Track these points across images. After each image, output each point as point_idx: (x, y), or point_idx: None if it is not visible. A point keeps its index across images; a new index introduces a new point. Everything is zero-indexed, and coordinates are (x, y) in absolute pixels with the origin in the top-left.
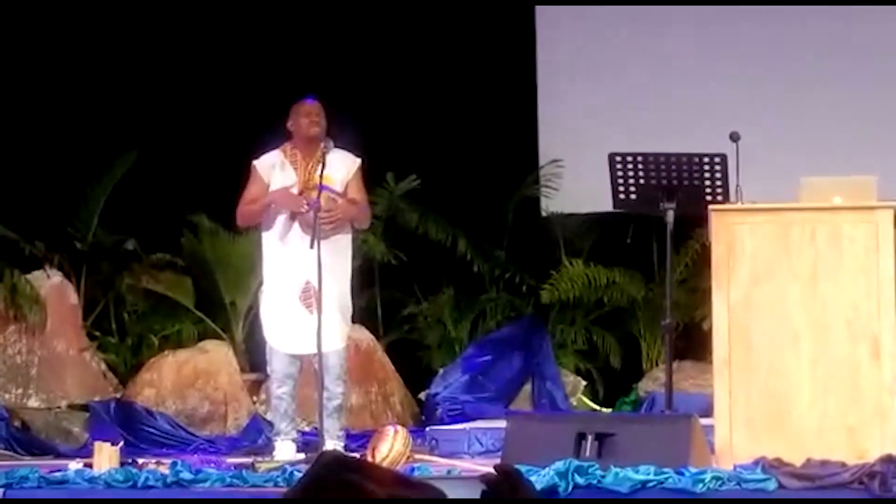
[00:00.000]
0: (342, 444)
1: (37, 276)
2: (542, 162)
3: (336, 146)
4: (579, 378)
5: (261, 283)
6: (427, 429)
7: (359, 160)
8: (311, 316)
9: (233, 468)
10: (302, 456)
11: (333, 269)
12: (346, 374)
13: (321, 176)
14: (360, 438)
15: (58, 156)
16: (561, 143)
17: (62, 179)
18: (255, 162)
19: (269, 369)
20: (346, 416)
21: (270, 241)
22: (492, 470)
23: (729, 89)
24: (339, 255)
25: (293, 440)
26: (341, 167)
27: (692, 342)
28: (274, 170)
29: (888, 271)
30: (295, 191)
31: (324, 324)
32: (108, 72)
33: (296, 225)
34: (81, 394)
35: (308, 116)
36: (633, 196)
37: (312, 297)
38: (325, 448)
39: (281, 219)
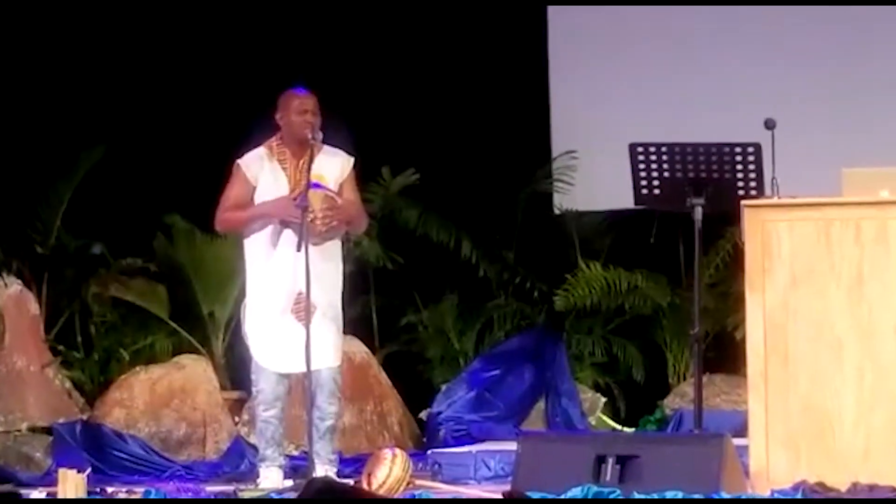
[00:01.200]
0: (335, 468)
1: None
2: (554, 154)
3: (327, 143)
4: (598, 394)
5: (243, 294)
6: (429, 452)
7: (353, 159)
8: (304, 330)
9: (213, 497)
10: (290, 483)
11: (324, 277)
12: (339, 392)
13: (308, 171)
14: (355, 463)
15: (16, 151)
16: (575, 132)
17: (21, 176)
18: (238, 161)
19: (254, 389)
20: (338, 439)
21: (255, 248)
22: (501, 498)
23: (762, 72)
24: (329, 263)
25: (280, 466)
26: (335, 167)
27: (724, 353)
28: (262, 170)
29: None
30: (286, 192)
31: (316, 338)
32: (71, 59)
33: (286, 231)
34: (44, 415)
35: (302, 115)
36: (656, 191)
37: (306, 310)
38: (315, 474)
39: (268, 225)
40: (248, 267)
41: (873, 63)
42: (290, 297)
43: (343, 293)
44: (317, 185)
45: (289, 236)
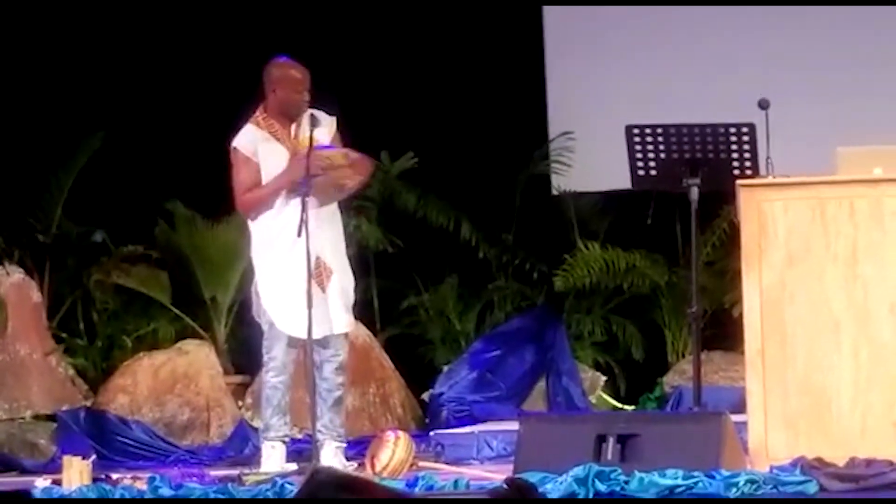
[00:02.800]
0: (343, 444)
1: None
2: (551, 135)
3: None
4: (598, 373)
5: (245, 279)
6: (431, 433)
7: (334, 118)
8: (322, 295)
9: (217, 482)
10: (294, 466)
11: (334, 242)
12: (346, 365)
13: (311, 137)
14: (358, 445)
15: (16, 140)
16: (572, 114)
17: (21, 165)
18: (234, 145)
19: (266, 357)
20: (345, 413)
21: (263, 225)
22: (502, 483)
23: (756, 52)
24: (334, 226)
25: (283, 441)
26: (322, 128)
27: (721, 331)
28: (257, 144)
29: None
30: (287, 159)
31: (334, 303)
32: (70, 47)
33: (294, 199)
34: (47, 402)
35: (299, 93)
36: (653, 172)
37: (324, 275)
38: (323, 450)
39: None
40: (257, 243)
41: (866, 42)
42: (308, 263)
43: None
44: (323, 146)
45: (295, 203)
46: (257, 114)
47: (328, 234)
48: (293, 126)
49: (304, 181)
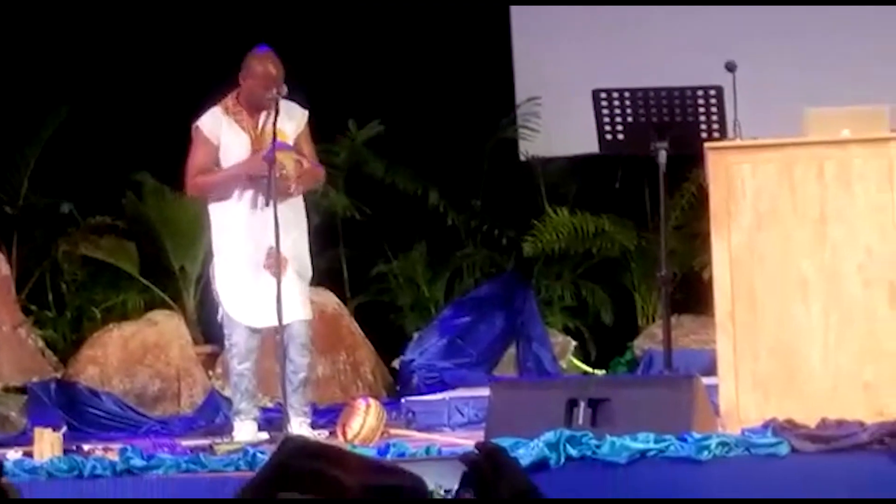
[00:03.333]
0: (308, 420)
1: None
2: (518, 101)
3: (288, 94)
4: (569, 338)
5: (212, 251)
6: (402, 400)
7: (307, 112)
8: (275, 285)
9: (189, 452)
10: (265, 435)
11: (292, 230)
12: (311, 345)
13: (274, 127)
14: (329, 413)
15: None
16: (539, 79)
17: None
18: (197, 124)
19: (227, 343)
20: (312, 390)
21: (220, 205)
22: (473, 448)
23: (722, 13)
24: (294, 217)
25: (254, 419)
26: (290, 120)
27: (691, 294)
28: (220, 127)
29: None
30: (248, 148)
31: (287, 291)
32: (36, 20)
33: (250, 188)
34: (17, 375)
35: (267, 89)
36: (620, 136)
37: (277, 264)
38: (290, 426)
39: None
40: (214, 226)
41: (833, 4)
42: (259, 252)
43: (310, 245)
44: (281, 145)
45: (251, 191)
46: (228, 98)
47: (285, 225)
48: (262, 116)
49: (270, 167)
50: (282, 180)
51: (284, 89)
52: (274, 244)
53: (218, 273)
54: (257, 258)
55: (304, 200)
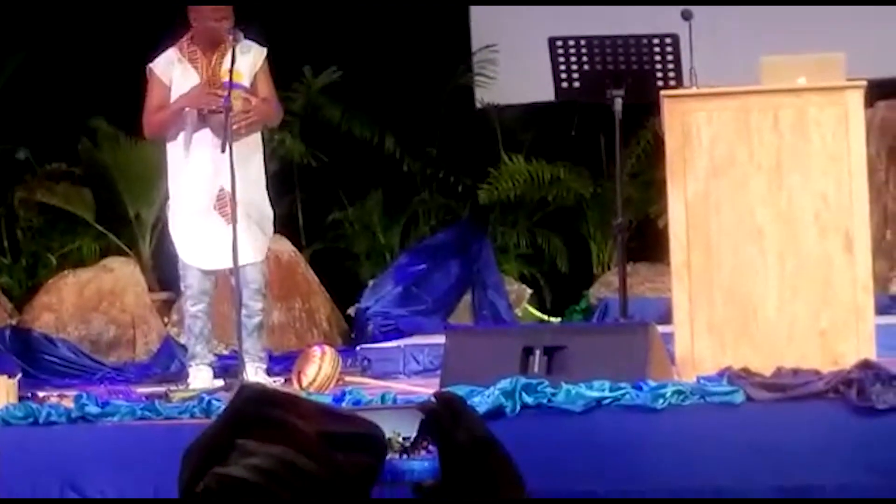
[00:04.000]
0: (264, 366)
1: None
2: (474, 48)
3: (245, 36)
4: (524, 286)
5: (167, 196)
6: (358, 347)
7: (265, 50)
8: (227, 227)
9: (144, 399)
10: (220, 382)
11: (246, 174)
12: (266, 290)
13: (231, 72)
14: (284, 361)
15: None
16: (495, 27)
17: None
18: (150, 66)
19: (182, 285)
20: (267, 336)
21: (176, 148)
22: (430, 397)
23: None
24: (250, 159)
25: (209, 365)
26: (248, 60)
27: (647, 242)
28: (173, 70)
29: (860, 158)
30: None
31: (240, 235)
32: None
33: (203, 129)
34: None
35: (217, 21)
36: (576, 84)
37: (229, 206)
38: (245, 372)
39: (187, 123)
40: (170, 167)
41: None
42: (211, 195)
43: (268, 189)
44: (234, 85)
45: (207, 134)
46: (183, 40)
47: (239, 167)
48: (216, 55)
49: (222, 110)
50: (234, 116)
51: (241, 35)
52: (224, 186)
53: (171, 215)
54: (208, 201)
55: (263, 146)
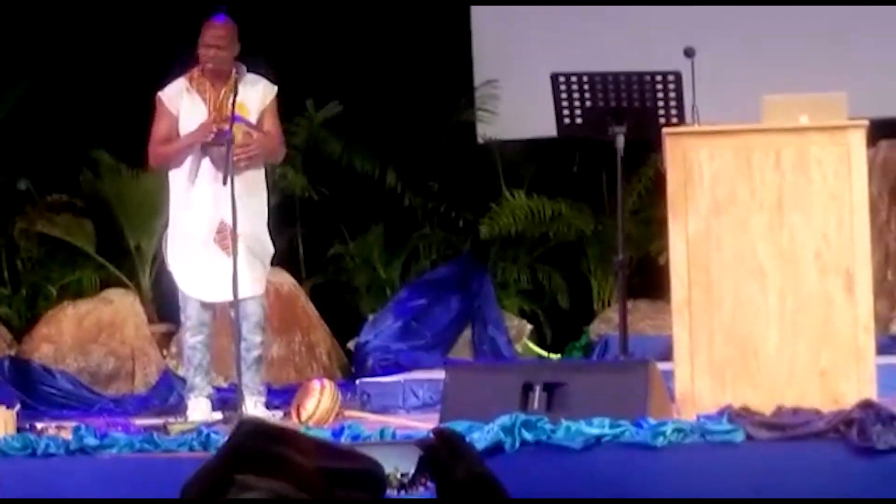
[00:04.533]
0: (263, 399)
1: None
2: (476, 83)
3: (251, 71)
4: (524, 321)
5: (166, 225)
6: (357, 382)
7: (275, 88)
8: (226, 259)
9: (143, 431)
10: (219, 415)
11: (248, 207)
12: (265, 323)
13: (233, 105)
14: (283, 394)
15: None
16: (498, 62)
17: None
18: (159, 94)
19: (182, 316)
20: (266, 369)
21: (178, 178)
22: (429, 432)
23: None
24: (253, 192)
25: (208, 397)
26: (256, 95)
27: (648, 279)
28: (181, 100)
29: (861, 197)
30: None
31: (240, 268)
32: None
33: (206, 161)
34: None
35: (209, 47)
36: (578, 120)
37: (229, 238)
38: (244, 405)
39: (190, 154)
40: (172, 197)
41: None
42: (211, 227)
43: (269, 224)
44: (237, 119)
45: (209, 166)
46: (194, 70)
47: (240, 200)
48: (224, 88)
49: (222, 140)
50: (237, 151)
51: (243, 69)
52: (225, 219)
53: (170, 245)
54: (208, 233)
55: (266, 179)
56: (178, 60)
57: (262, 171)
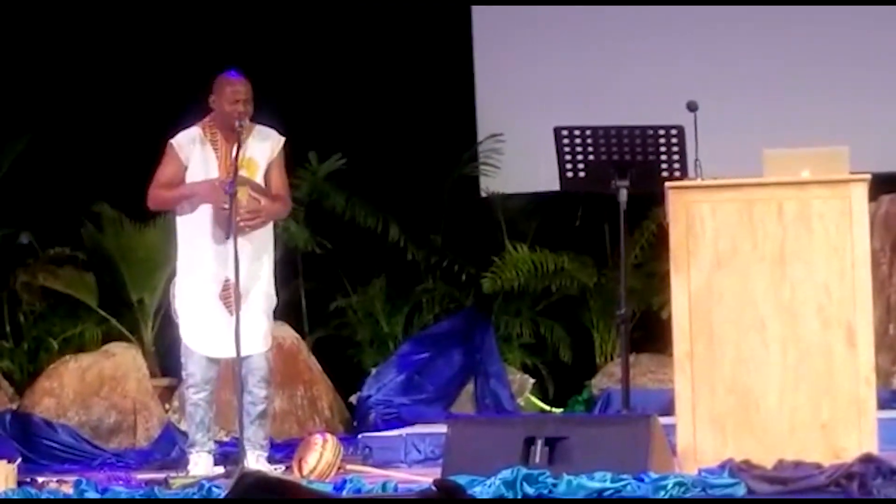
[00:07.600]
0: (266, 454)
1: None
2: (480, 137)
3: (259, 122)
4: (527, 375)
5: (173, 275)
6: (359, 436)
7: (283, 139)
8: (231, 316)
9: (144, 485)
10: (220, 469)
11: (255, 264)
12: (270, 377)
13: (236, 158)
14: (285, 448)
15: None
16: (501, 116)
17: None
18: (172, 140)
19: (184, 373)
20: (269, 424)
21: (188, 228)
22: (431, 485)
23: (684, 55)
24: (260, 249)
25: (209, 452)
26: (265, 146)
27: (650, 333)
28: (193, 149)
29: (863, 251)
30: (216, 174)
31: (246, 324)
32: None
33: (216, 217)
34: None
35: (234, 104)
36: (581, 174)
37: (233, 297)
38: (246, 460)
39: (204, 207)
40: (180, 246)
41: (792, 45)
42: (217, 284)
43: (275, 279)
44: (243, 179)
45: (216, 223)
46: (206, 120)
47: (248, 256)
48: (236, 142)
49: (231, 198)
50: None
51: (246, 121)
52: (230, 276)
53: (177, 295)
54: (215, 289)
55: (274, 233)
56: (183, 113)
57: (271, 228)
